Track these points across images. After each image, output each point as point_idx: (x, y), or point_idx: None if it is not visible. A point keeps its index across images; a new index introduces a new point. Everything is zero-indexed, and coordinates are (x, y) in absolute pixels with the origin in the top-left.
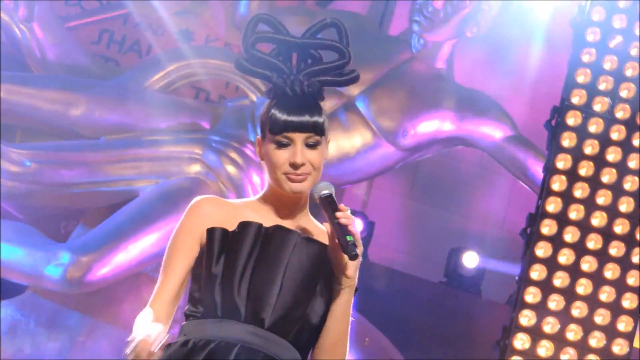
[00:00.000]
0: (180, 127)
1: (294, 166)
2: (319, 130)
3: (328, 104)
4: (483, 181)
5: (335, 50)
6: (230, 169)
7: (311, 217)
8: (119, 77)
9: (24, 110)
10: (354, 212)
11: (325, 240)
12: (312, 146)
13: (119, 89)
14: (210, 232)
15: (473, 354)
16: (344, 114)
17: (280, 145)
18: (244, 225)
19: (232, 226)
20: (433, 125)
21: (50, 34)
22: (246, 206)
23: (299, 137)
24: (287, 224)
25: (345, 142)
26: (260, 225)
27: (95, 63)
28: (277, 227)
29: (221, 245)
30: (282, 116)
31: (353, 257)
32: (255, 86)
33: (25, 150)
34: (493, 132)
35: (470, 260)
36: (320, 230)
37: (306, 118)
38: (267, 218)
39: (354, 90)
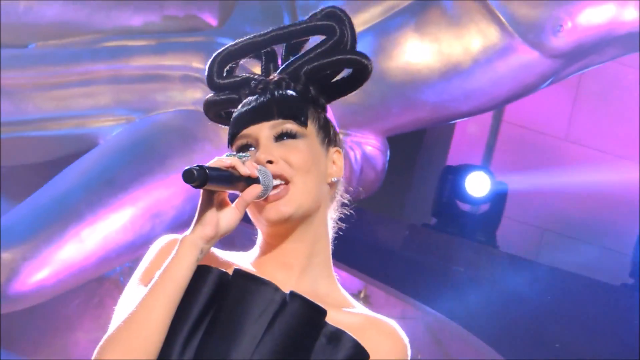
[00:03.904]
0: (168, 25)
1: None
2: (291, 114)
3: None
4: None
5: (323, 31)
6: None
7: (339, 285)
8: None
9: None
10: (468, 167)
11: (350, 324)
12: (285, 137)
13: None
14: None
15: None
16: None
17: (242, 150)
18: (203, 272)
19: None
20: (606, 12)
21: None
22: (236, 258)
23: (262, 129)
24: (287, 284)
25: (452, 45)
26: (224, 274)
27: None
28: (240, 274)
29: None
30: (239, 113)
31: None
32: None
33: None
34: None
35: None
36: (347, 304)
37: (271, 102)
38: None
39: None
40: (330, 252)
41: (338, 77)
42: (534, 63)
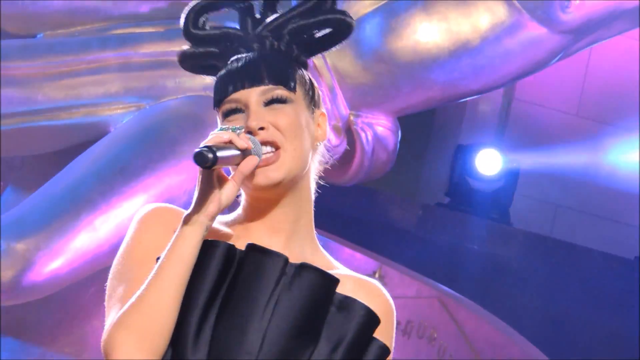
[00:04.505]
0: (176, 11)
1: (250, 134)
2: (281, 79)
3: None
4: None
5: None
6: None
7: (320, 247)
8: None
9: None
10: (480, 146)
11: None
12: (275, 102)
13: None
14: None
15: None
16: None
17: (230, 114)
18: (208, 247)
19: None
20: None
21: None
22: (222, 224)
23: (251, 94)
24: (276, 248)
25: (461, 23)
26: (231, 247)
27: None
28: (253, 248)
29: None
30: (226, 76)
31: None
32: None
33: None
34: None
35: None
36: (330, 266)
37: (259, 65)
38: (246, 240)
39: None
40: (313, 213)
41: (319, 34)
42: (543, 39)
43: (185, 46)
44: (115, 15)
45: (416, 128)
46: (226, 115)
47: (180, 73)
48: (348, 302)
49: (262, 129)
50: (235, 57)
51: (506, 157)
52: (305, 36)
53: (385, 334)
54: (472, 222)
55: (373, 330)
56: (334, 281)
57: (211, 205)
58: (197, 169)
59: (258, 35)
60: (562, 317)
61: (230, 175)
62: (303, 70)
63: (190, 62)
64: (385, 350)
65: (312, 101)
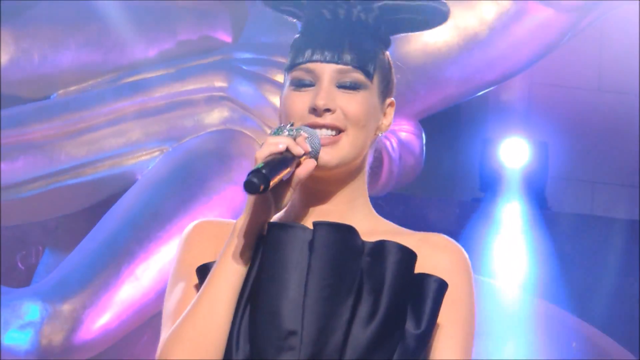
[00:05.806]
0: (184, 49)
1: (315, 112)
2: (362, 63)
3: None
4: None
5: None
6: (278, 101)
7: (380, 217)
8: None
9: None
10: (507, 135)
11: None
12: (349, 88)
13: (66, 6)
14: (202, 270)
15: None
16: None
17: (300, 86)
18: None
19: None
20: None
21: None
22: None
23: (327, 70)
24: None
25: (467, 17)
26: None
27: None
28: (272, 226)
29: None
30: (305, 40)
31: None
32: None
33: None
34: None
35: None
36: (397, 230)
37: (343, 40)
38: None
39: None
40: (367, 190)
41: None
42: (550, 20)
43: None
44: (125, 64)
45: (443, 127)
46: (295, 84)
47: (197, 111)
48: (379, 247)
49: (328, 110)
50: (318, 16)
51: (535, 141)
52: (396, 16)
53: (458, 283)
54: (510, 212)
55: (412, 266)
56: (350, 229)
57: (263, 215)
58: (230, 203)
59: (343, 1)
60: (620, 296)
61: (286, 178)
62: (385, 52)
63: (273, 2)
64: (442, 284)
65: (387, 88)
